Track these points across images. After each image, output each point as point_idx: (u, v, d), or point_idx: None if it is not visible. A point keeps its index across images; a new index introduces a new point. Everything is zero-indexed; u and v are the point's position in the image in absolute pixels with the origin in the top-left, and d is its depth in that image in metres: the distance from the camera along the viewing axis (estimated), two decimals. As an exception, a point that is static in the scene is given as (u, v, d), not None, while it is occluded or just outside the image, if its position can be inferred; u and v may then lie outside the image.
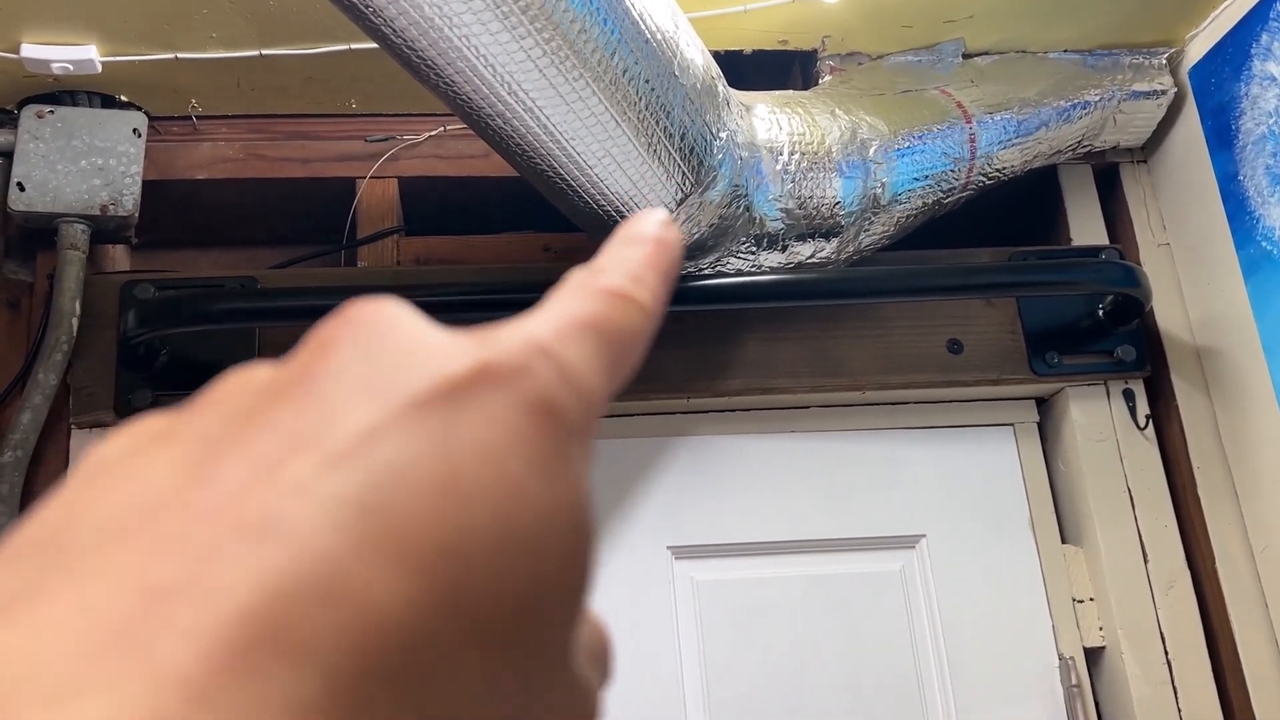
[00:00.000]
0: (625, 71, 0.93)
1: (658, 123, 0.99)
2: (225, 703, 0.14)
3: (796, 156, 1.19)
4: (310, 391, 0.18)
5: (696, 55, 1.04)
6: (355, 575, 0.15)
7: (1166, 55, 1.40)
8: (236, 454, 0.17)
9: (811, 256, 1.23)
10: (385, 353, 0.18)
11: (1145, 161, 1.48)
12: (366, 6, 0.81)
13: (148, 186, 1.30)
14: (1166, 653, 1.28)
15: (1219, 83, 1.32)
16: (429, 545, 0.16)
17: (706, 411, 1.36)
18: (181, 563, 0.15)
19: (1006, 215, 1.53)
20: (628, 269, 0.22)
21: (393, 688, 0.15)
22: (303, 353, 0.19)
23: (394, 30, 0.83)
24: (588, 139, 0.96)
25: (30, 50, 1.20)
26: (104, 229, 1.27)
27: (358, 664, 0.15)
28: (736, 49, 1.34)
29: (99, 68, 1.24)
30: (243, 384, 0.19)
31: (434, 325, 0.20)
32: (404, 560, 0.16)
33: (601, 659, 0.21)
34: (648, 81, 0.95)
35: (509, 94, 0.89)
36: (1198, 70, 1.36)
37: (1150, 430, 1.37)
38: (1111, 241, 1.45)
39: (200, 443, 0.17)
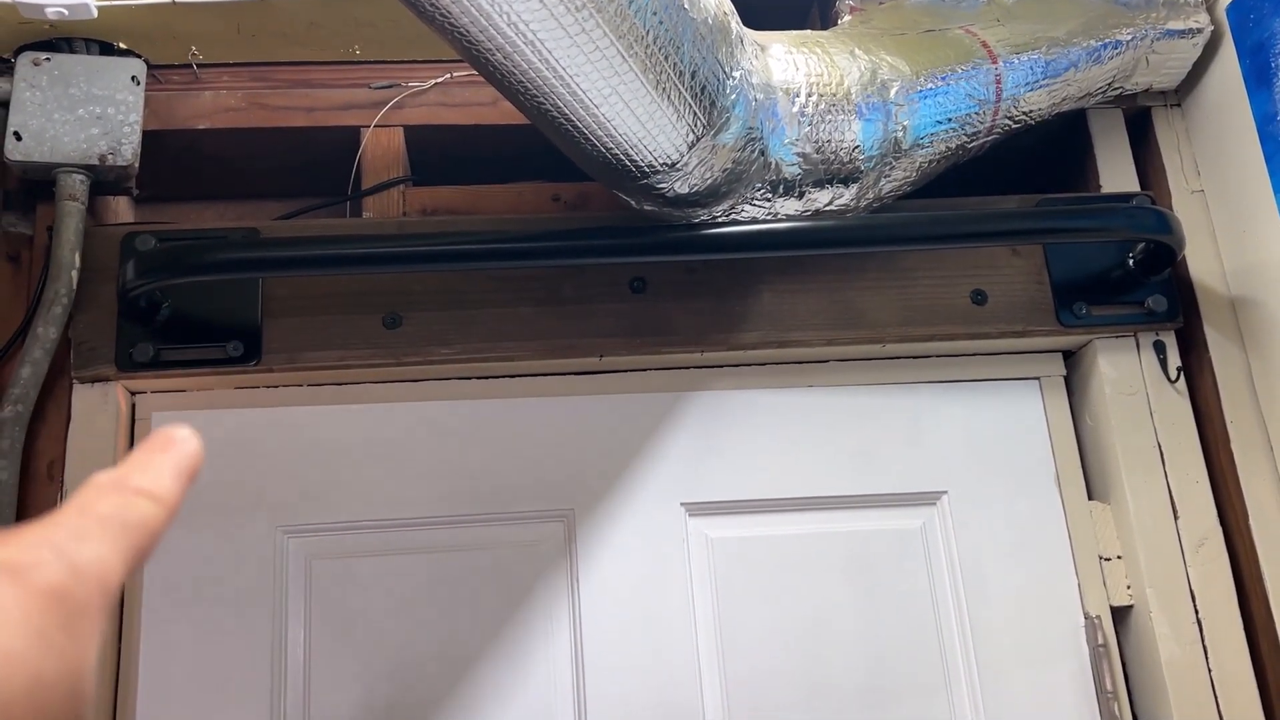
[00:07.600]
0: (631, 2, 0.88)
1: (666, 59, 0.94)
2: None
3: (814, 98, 1.14)
4: None
5: (708, -11, 0.99)
6: None
7: (1203, -8, 1.34)
8: None
9: (830, 203, 1.19)
10: None
11: (1179, 105, 1.42)
12: (356, -69, 0.77)
13: (149, 137, 1.27)
14: (1197, 612, 1.24)
15: (1259, 18, 1.26)
16: None
17: (721, 366, 1.32)
18: None
19: (1033, 162, 1.47)
20: (148, 469, 0.27)
21: None
22: None
23: (386, -43, 0.79)
24: (593, 75, 0.92)
25: (24, -5, 1.17)
26: (103, 179, 1.24)
27: None
28: (752, -12, 1.29)
29: (94, 13, 1.21)
30: None
31: None
32: None
33: None
34: (655, 14, 0.91)
35: (509, 26, 0.85)
36: (1236, 6, 1.30)
37: (1182, 383, 1.32)
38: (1143, 189, 1.39)
39: None
